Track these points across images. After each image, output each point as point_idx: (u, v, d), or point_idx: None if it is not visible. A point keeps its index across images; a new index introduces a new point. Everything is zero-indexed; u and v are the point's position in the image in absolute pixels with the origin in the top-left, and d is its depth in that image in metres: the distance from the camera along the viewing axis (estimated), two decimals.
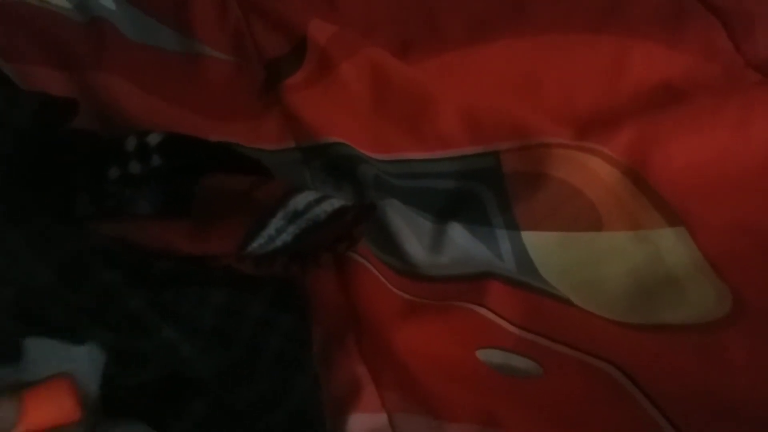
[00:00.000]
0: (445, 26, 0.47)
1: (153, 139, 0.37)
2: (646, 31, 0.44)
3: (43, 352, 0.32)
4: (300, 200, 0.34)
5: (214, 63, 0.49)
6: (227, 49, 0.49)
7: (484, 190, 0.41)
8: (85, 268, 0.32)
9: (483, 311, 0.36)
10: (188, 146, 0.37)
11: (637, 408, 0.33)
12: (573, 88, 0.43)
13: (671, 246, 0.37)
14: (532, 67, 0.44)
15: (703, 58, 0.43)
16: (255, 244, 0.34)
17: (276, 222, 0.34)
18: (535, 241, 0.39)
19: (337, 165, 0.43)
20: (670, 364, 0.34)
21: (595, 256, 0.38)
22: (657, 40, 0.43)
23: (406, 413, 0.35)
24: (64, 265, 0.32)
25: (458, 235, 0.40)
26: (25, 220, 0.33)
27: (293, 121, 0.45)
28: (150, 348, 0.33)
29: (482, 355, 0.35)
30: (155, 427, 0.33)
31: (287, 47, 0.47)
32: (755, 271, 0.36)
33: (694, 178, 0.38)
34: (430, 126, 0.44)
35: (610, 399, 0.33)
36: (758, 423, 0.32)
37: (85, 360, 0.33)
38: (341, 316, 0.37)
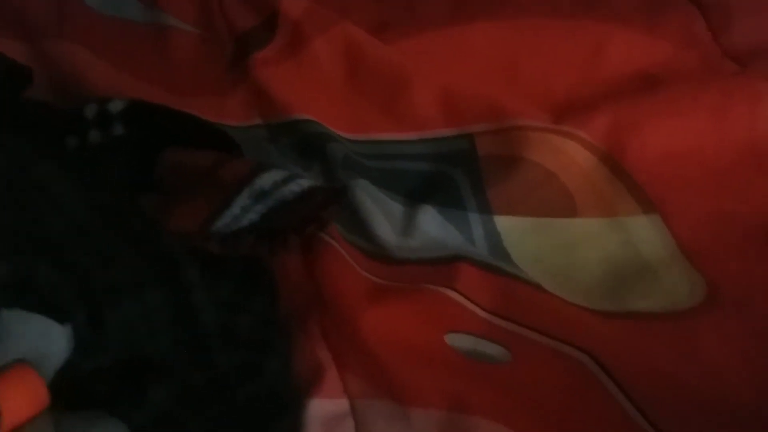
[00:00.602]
0: (424, 6, 0.46)
1: (115, 106, 0.35)
2: (627, 18, 0.43)
3: (20, 326, 0.30)
4: (266, 179, 0.33)
5: (181, 35, 0.47)
6: (195, 21, 0.47)
7: (458, 172, 0.40)
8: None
9: (453, 294, 0.35)
10: (152, 115, 0.35)
11: (607, 396, 0.32)
12: (551, 72, 0.42)
13: (645, 234, 0.37)
14: (511, 51, 0.44)
15: (681, 46, 0.42)
16: (220, 223, 0.33)
17: (241, 200, 0.33)
18: (508, 225, 0.38)
19: (305, 143, 0.42)
20: (642, 352, 0.33)
21: (569, 243, 0.38)
22: (637, 28, 0.43)
23: (369, 398, 0.33)
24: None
25: (430, 218, 0.39)
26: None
27: (260, 97, 0.43)
28: (129, 315, 0.31)
29: (451, 339, 0.34)
30: (112, 415, 0.31)
31: (257, 20, 0.46)
32: (730, 260, 0.35)
33: (670, 165, 0.37)
34: (404, 107, 0.42)
35: (580, 387, 0.32)
36: (729, 412, 0.31)
37: (62, 341, 0.30)
38: (304, 296, 0.36)
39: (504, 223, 0.38)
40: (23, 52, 0.47)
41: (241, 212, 0.32)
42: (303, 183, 0.32)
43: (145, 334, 0.31)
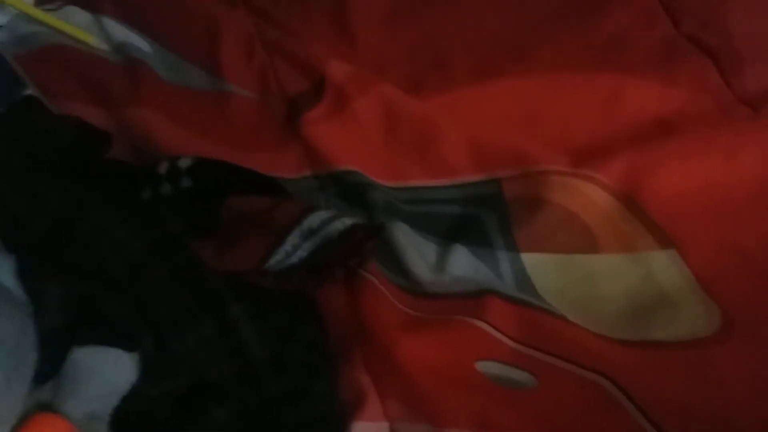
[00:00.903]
0: (452, 66, 0.50)
1: (184, 162, 0.41)
2: (641, 69, 0.47)
3: (92, 360, 0.34)
4: (314, 219, 0.37)
5: (240, 100, 0.53)
6: (253, 87, 0.53)
7: (487, 214, 0.44)
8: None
9: (482, 325, 0.38)
10: (215, 169, 0.40)
11: (629, 419, 0.34)
12: (570, 121, 0.46)
13: (663, 267, 0.39)
14: (533, 103, 0.47)
15: (695, 93, 0.45)
16: (273, 261, 0.37)
17: (292, 239, 0.37)
18: (533, 262, 0.41)
19: (349, 191, 0.46)
20: (661, 378, 0.35)
21: (591, 277, 0.40)
22: (651, 78, 0.46)
23: (407, 421, 0.36)
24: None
25: (461, 256, 0.42)
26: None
27: (311, 152, 0.48)
28: (191, 343, 0.35)
29: (481, 366, 0.37)
30: None
31: (307, 85, 0.51)
32: (743, 291, 0.37)
33: (684, 204, 0.40)
34: (437, 156, 0.47)
35: (603, 410, 0.35)
36: None
37: (131, 368, 0.34)
38: (348, 328, 0.40)
39: (530, 260, 0.41)
40: (103, 118, 0.53)
41: (292, 249, 0.36)
42: (346, 221, 0.37)
43: (205, 361, 0.35)
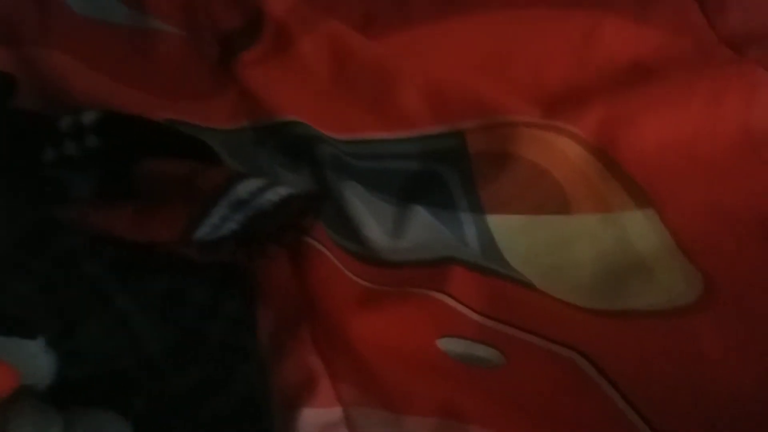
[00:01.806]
0: (411, 0, 0.45)
1: (88, 117, 0.34)
2: (617, 6, 0.42)
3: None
4: (243, 188, 0.32)
5: (165, 37, 0.46)
6: (179, 22, 0.46)
7: (449, 171, 0.39)
8: (47, 235, 0.31)
9: (445, 298, 0.34)
10: (126, 125, 0.34)
11: (602, 397, 0.31)
12: (542, 65, 0.41)
13: (640, 229, 0.36)
14: (500, 44, 0.43)
15: (674, 33, 0.41)
16: (200, 233, 0.32)
17: (219, 210, 0.32)
18: (500, 224, 0.38)
19: (293, 145, 0.41)
20: (637, 351, 0.33)
21: (562, 240, 0.37)
22: (627, 16, 0.42)
23: (363, 407, 0.33)
24: (26, 233, 0.31)
25: (421, 218, 0.38)
26: None
27: (247, 99, 0.43)
28: (98, 327, 0.30)
29: (443, 344, 0.33)
30: None
31: (243, 20, 0.44)
32: (727, 254, 0.34)
33: (664, 158, 0.37)
34: (392, 105, 0.42)
35: (575, 388, 0.32)
36: (726, 408, 0.30)
37: (41, 354, 0.30)
38: (294, 304, 0.35)
39: (496, 221, 0.38)
40: (6, 58, 0.46)
41: (220, 221, 0.31)
42: (280, 191, 0.32)
43: (110, 352, 0.31)
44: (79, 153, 0.33)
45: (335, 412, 0.33)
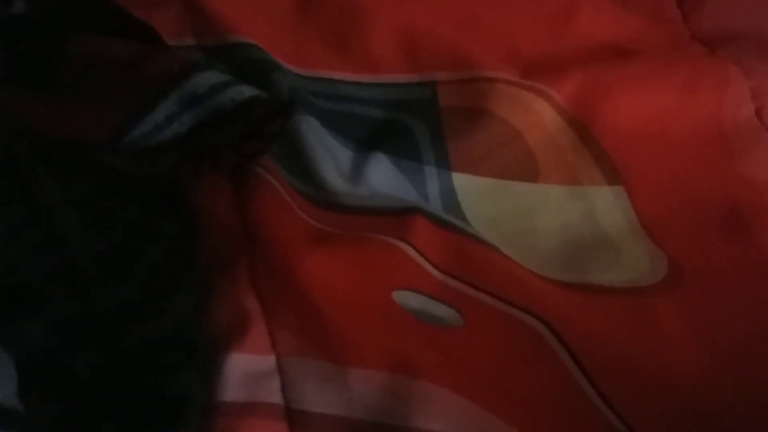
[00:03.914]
0: None
1: None
2: None
3: None
4: (202, 81, 0.27)
5: None
6: None
7: (417, 122, 0.36)
8: None
9: (407, 248, 0.31)
10: None
11: (559, 366, 0.29)
12: (517, 30, 0.40)
13: (607, 205, 0.35)
14: (476, 4, 0.40)
15: (650, 23, 0.41)
16: (136, 132, 0.27)
17: (167, 105, 0.27)
18: (465, 184, 0.35)
19: (245, 70, 0.36)
20: (598, 325, 0.31)
21: (527, 208, 0.35)
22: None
23: (301, 356, 0.29)
24: None
25: (382, 167, 0.34)
26: None
27: (196, 14, 0.38)
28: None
29: (399, 297, 0.30)
30: None
31: None
32: (692, 238, 0.33)
33: (637, 136, 0.35)
34: (361, 45, 0.38)
35: (533, 356, 0.30)
36: (685, 392, 0.29)
37: None
38: (232, 236, 0.31)
39: (462, 181, 0.35)
40: None
41: (165, 121, 0.26)
42: (246, 91, 0.27)
43: (15, 255, 0.25)
44: (2, 20, 0.27)
45: (268, 360, 0.28)
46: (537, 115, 0.36)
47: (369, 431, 0.27)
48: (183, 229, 0.29)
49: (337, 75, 0.38)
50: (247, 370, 0.28)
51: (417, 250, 0.31)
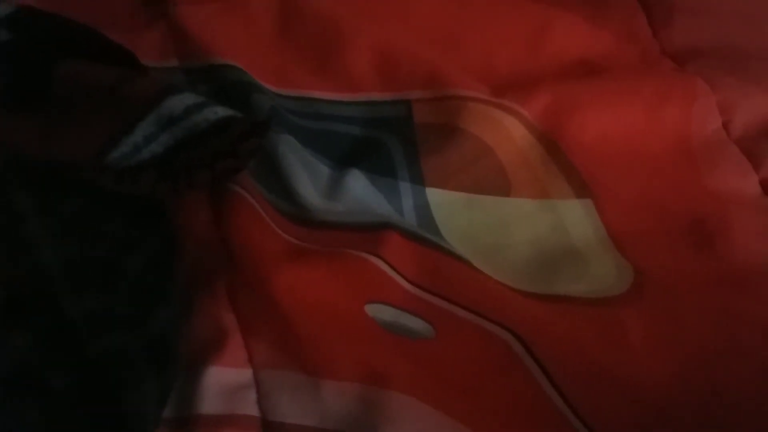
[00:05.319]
0: None
1: (2, 9, 0.30)
2: (570, 5, 0.42)
3: None
4: (177, 103, 0.28)
5: None
6: None
7: (392, 140, 0.37)
8: None
9: (378, 262, 0.32)
10: (45, 21, 0.30)
11: (530, 379, 0.30)
12: (492, 49, 0.41)
13: (576, 218, 0.36)
14: (453, 24, 0.42)
15: (622, 39, 0.42)
16: (116, 153, 0.28)
17: (145, 127, 0.28)
18: (439, 200, 0.36)
19: (227, 91, 0.38)
20: (567, 336, 0.32)
21: (500, 222, 0.36)
22: (579, 16, 0.42)
23: (277, 369, 0.29)
24: None
25: (358, 183, 0.36)
26: None
27: (179, 37, 0.39)
28: None
29: (372, 310, 0.31)
30: None
31: None
32: (657, 250, 0.34)
33: (605, 151, 0.37)
34: (340, 65, 0.39)
35: (501, 366, 0.30)
36: (651, 401, 0.30)
37: None
38: (211, 253, 0.32)
39: (435, 197, 0.36)
40: None
41: (144, 141, 0.27)
42: (220, 111, 0.28)
43: (9, 263, 0.26)
44: None
45: (244, 374, 0.29)
46: (507, 131, 0.37)
47: None
48: (164, 244, 0.30)
49: (317, 94, 0.39)
50: (224, 382, 0.29)
51: (389, 264, 0.32)
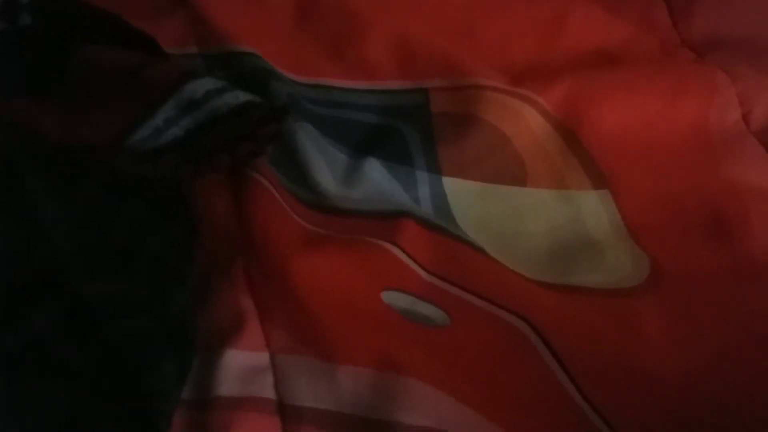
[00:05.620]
0: None
1: None
2: None
3: None
4: (198, 87, 0.29)
5: None
6: None
7: (409, 128, 0.37)
8: None
9: (395, 250, 0.32)
10: (65, 6, 0.30)
11: (544, 368, 0.30)
12: (510, 38, 0.41)
13: (593, 209, 0.36)
14: (470, 14, 0.41)
15: (640, 29, 0.41)
16: (138, 136, 0.29)
17: (166, 110, 0.28)
18: (455, 189, 0.36)
19: (245, 78, 0.38)
20: (581, 326, 0.32)
21: (516, 212, 0.36)
22: (598, 3, 0.42)
23: (293, 353, 0.30)
24: None
25: (375, 171, 0.36)
26: None
27: (199, 24, 0.39)
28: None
29: (388, 297, 0.31)
30: None
31: None
32: (674, 242, 0.34)
33: (623, 141, 0.36)
34: (357, 54, 0.39)
35: (515, 354, 0.31)
36: (665, 393, 0.30)
37: None
38: (229, 239, 0.32)
39: (452, 185, 0.36)
40: None
41: (165, 125, 0.28)
42: (240, 96, 0.29)
43: (23, 249, 0.26)
44: (10, 30, 0.29)
45: (262, 357, 0.30)
46: (525, 121, 0.37)
47: (357, 425, 0.29)
48: (184, 228, 0.31)
49: (334, 82, 0.39)
50: (242, 366, 0.29)
51: (405, 252, 0.32)
